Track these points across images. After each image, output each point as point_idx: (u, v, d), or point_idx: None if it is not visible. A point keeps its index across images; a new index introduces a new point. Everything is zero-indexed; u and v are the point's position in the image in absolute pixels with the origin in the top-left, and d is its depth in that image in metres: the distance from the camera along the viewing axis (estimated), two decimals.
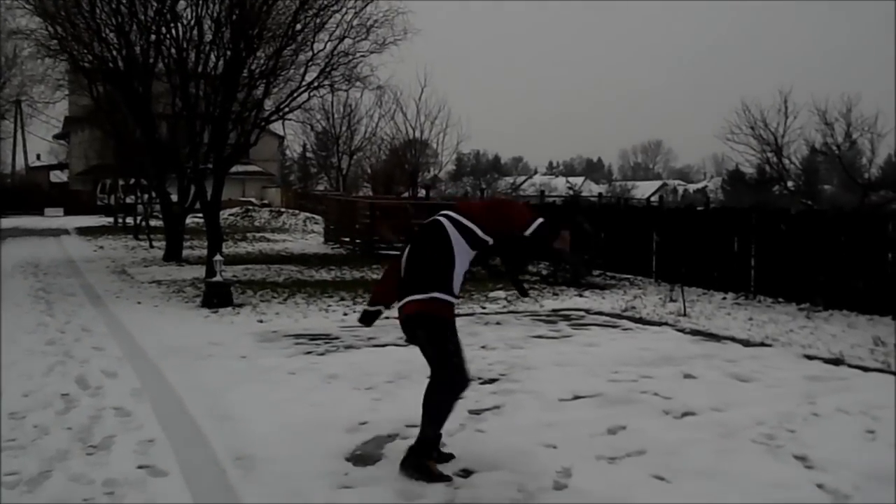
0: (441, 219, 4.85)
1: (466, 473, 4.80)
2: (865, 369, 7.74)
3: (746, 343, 9.12)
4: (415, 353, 5.03)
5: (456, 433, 5.42)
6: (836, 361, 8.10)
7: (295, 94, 18.35)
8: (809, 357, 8.30)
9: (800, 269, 12.59)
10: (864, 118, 33.76)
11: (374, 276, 16.04)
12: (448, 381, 4.70)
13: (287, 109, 18.75)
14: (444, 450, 4.94)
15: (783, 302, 12.58)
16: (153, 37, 17.21)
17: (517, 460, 4.96)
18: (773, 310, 11.96)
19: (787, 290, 12.75)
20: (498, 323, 10.43)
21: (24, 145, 55.68)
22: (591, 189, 56.67)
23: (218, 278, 12.06)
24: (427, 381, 4.77)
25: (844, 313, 11.44)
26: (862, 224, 12.37)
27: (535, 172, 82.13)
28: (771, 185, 38.78)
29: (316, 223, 35.06)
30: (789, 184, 36.93)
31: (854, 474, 4.71)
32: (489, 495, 4.45)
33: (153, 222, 26.02)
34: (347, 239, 24.44)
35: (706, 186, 67.94)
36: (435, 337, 4.73)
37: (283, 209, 41.12)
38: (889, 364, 8.01)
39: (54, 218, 40.73)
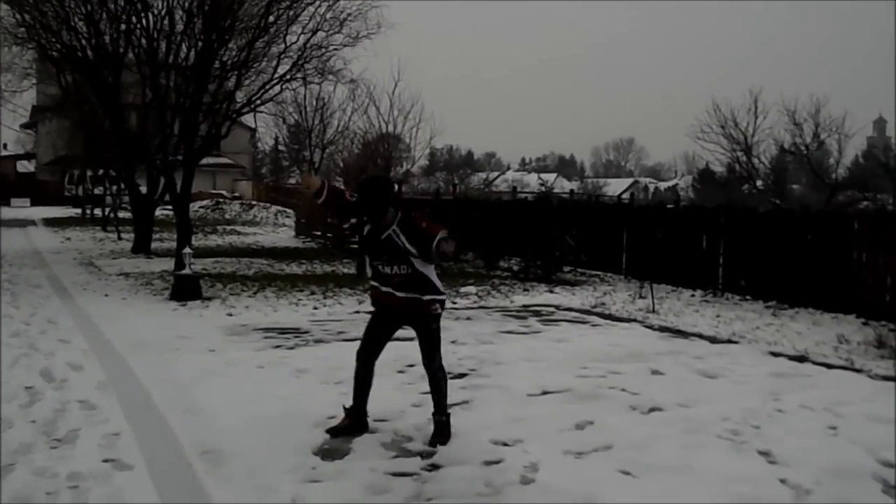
0: None
1: (434, 468, 4.81)
2: (829, 366, 7.85)
3: (713, 340, 9.21)
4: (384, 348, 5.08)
5: (425, 427, 5.43)
6: (801, 359, 8.21)
7: (267, 87, 18.22)
8: (775, 354, 8.40)
9: (767, 267, 12.73)
10: (833, 119, 34.13)
11: (346, 271, 16.02)
12: None
13: (259, 102, 18.61)
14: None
15: (750, 300, 12.72)
16: (123, 26, 17.01)
17: (485, 455, 4.99)
18: (741, 307, 12.09)
19: (754, 287, 12.89)
20: (468, 318, 10.45)
21: None
22: (564, 185, 56.91)
23: (187, 271, 11.96)
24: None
25: (810, 311, 11.59)
26: (828, 223, 12.53)
27: (508, 168, 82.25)
28: (740, 183, 39.13)
29: (287, 216, 34.88)
30: (758, 183, 37.32)
31: (816, 469, 4.78)
32: (456, 489, 4.46)
33: (122, 214, 25.74)
34: (319, 233, 24.36)
35: (677, 184, 68.46)
36: None
37: (254, 202, 40.87)
38: (852, 361, 8.14)
39: (21, 208, 40.17)
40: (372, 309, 5.60)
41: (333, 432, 5.36)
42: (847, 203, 28.71)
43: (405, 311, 5.33)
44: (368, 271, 5.49)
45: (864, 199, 29.85)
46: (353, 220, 5.38)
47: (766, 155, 37.19)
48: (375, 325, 5.49)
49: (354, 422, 5.44)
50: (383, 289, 5.32)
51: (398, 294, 5.26)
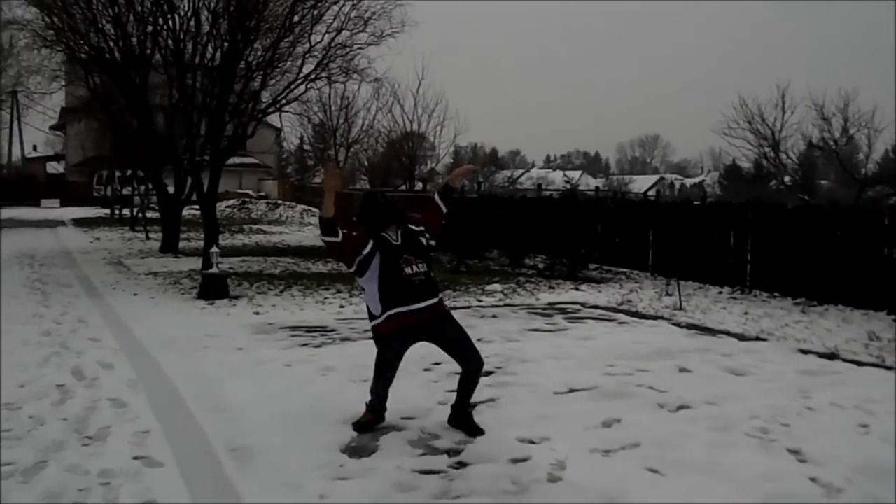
0: None
1: (461, 465, 4.82)
2: (859, 364, 7.76)
3: (741, 337, 9.14)
4: (411, 346, 5.12)
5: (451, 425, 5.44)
6: (831, 356, 8.12)
7: (292, 86, 18.29)
8: (804, 352, 8.32)
9: (796, 263, 12.61)
10: (862, 113, 33.65)
11: None
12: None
13: (284, 101, 18.68)
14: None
15: (779, 297, 12.60)
16: (150, 28, 17.15)
17: (512, 452, 4.99)
18: (769, 304, 11.99)
19: (782, 284, 12.78)
20: (494, 316, 10.43)
21: (21, 136, 55.45)
22: (589, 183, 56.73)
23: (214, 270, 12.06)
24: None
25: (840, 308, 11.47)
26: (858, 219, 12.39)
27: (533, 166, 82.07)
28: (768, 179, 38.74)
29: (313, 215, 35.06)
30: (786, 179, 36.93)
31: (846, 468, 4.73)
32: (484, 487, 4.47)
33: (150, 214, 25.99)
34: (344, 231, 24.43)
35: (703, 181, 67.98)
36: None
37: (279, 201, 41.09)
38: (883, 359, 8.04)
39: (50, 209, 40.68)
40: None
41: (360, 428, 5.44)
42: (877, 198, 28.34)
43: (429, 319, 5.34)
44: (379, 308, 5.35)
45: (894, 195, 29.46)
46: (364, 253, 5.35)
47: (794, 150, 36.77)
48: (396, 347, 5.44)
49: (376, 417, 5.55)
50: (405, 309, 5.28)
51: (422, 305, 5.31)
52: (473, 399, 5.51)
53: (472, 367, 5.39)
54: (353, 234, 5.47)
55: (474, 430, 5.34)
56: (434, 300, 5.39)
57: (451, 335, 5.42)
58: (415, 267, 5.34)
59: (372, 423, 5.50)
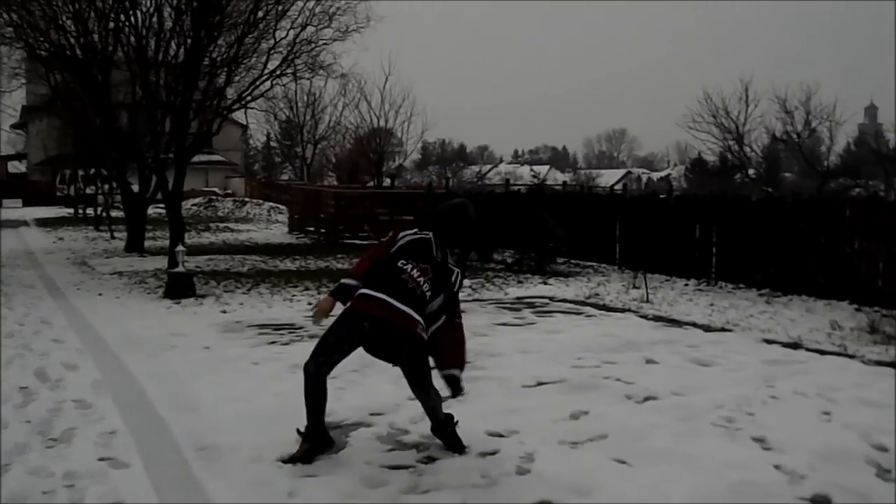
0: None
1: (430, 459, 4.83)
2: (822, 353, 7.89)
3: (707, 328, 9.25)
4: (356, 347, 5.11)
5: (420, 420, 5.43)
6: (795, 345, 8.24)
7: (257, 83, 18.15)
8: (768, 341, 8.43)
9: (760, 255, 12.77)
10: (823, 106, 34.32)
11: (339, 266, 15.99)
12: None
13: (249, 98, 18.53)
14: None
15: (743, 288, 12.76)
16: (112, 24, 16.93)
17: (481, 446, 5.01)
18: (734, 296, 12.14)
19: (747, 276, 12.94)
20: (463, 311, 10.39)
21: None
22: (556, 177, 56.97)
23: (180, 269, 11.95)
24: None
25: (803, 298, 11.64)
26: (820, 211, 12.57)
27: (501, 161, 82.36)
28: (733, 172, 39.25)
29: (280, 213, 34.85)
30: (750, 171, 37.45)
31: (810, 455, 4.81)
32: (453, 481, 4.48)
33: (114, 213, 25.67)
34: (312, 228, 24.35)
35: (669, 174, 68.67)
36: None
37: (246, 199, 40.79)
38: (845, 347, 8.18)
39: (12, 209, 39.98)
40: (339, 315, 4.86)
41: (292, 461, 4.72)
42: (839, 190, 28.82)
43: (388, 319, 4.63)
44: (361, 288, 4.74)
45: (856, 186, 29.98)
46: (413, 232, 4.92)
47: (758, 143, 37.40)
48: (344, 329, 4.74)
49: (314, 444, 4.81)
50: (374, 294, 4.67)
51: (390, 300, 4.63)
52: (443, 393, 5.20)
53: (418, 399, 4.94)
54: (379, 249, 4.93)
55: (455, 446, 4.95)
56: (408, 310, 4.63)
57: (405, 355, 4.76)
58: (421, 280, 4.72)
59: (310, 453, 4.76)
